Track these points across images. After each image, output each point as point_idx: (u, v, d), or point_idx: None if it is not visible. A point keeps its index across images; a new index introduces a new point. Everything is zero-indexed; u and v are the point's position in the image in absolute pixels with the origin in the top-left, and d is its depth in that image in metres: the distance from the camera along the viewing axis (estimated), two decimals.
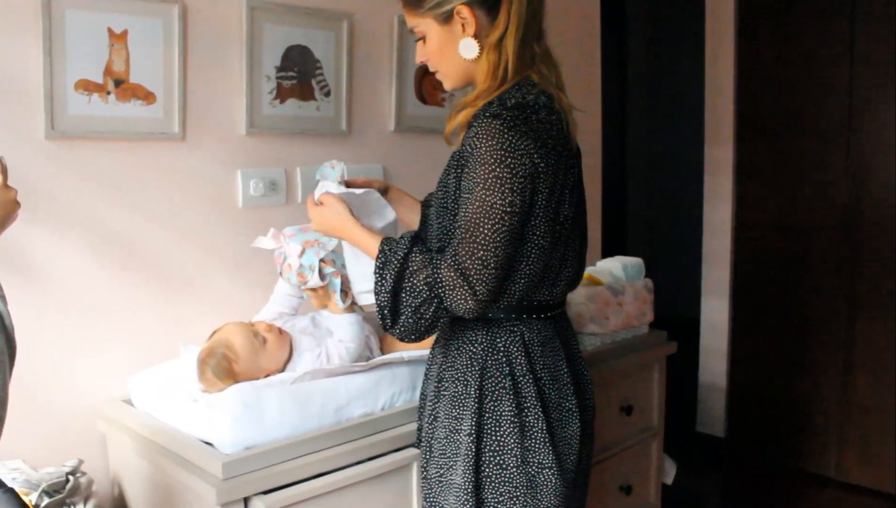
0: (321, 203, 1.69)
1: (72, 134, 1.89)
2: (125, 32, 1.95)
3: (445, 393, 1.60)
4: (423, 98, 2.62)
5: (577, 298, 2.39)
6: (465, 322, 1.58)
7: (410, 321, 1.49)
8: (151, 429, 1.79)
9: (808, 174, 3.74)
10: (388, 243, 1.54)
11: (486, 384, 1.55)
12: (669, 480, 2.87)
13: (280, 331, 1.90)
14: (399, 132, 2.57)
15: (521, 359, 1.55)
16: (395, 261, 1.49)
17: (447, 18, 1.54)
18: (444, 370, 1.62)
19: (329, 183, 1.75)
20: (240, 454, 1.62)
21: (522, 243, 1.48)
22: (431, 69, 1.65)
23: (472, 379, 1.55)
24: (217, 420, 1.66)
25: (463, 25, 1.53)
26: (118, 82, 1.95)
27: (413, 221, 1.87)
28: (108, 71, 1.94)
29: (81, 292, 1.95)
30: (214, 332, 1.88)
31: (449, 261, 1.45)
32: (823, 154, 3.67)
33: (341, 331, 1.91)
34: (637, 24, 6.31)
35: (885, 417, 3.56)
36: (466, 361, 1.57)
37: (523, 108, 1.47)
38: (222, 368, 1.80)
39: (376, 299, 1.52)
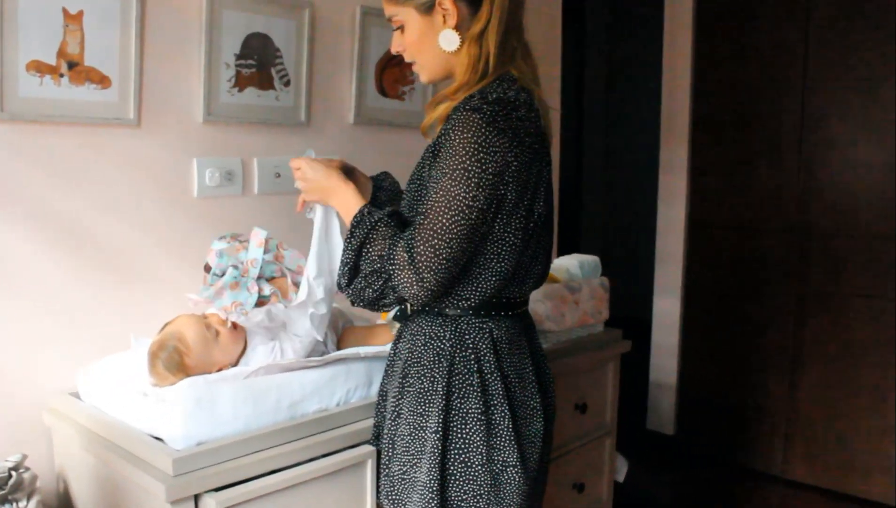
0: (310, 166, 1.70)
1: (22, 117, 1.83)
2: (80, 13, 1.89)
3: (410, 389, 1.58)
4: (383, 91, 2.59)
5: (534, 295, 2.38)
6: (432, 318, 1.57)
7: (360, 285, 1.52)
8: (99, 423, 1.74)
9: (760, 175, 3.79)
10: (367, 207, 1.55)
11: (454, 381, 1.53)
12: (621, 478, 2.89)
13: (234, 324, 1.87)
14: (359, 125, 2.54)
15: (489, 356, 1.54)
16: (368, 224, 1.51)
17: (429, 9, 1.52)
18: (409, 365, 1.60)
19: None
20: (191, 449, 1.58)
21: (495, 241, 1.48)
22: (408, 60, 1.63)
23: (440, 376, 1.54)
24: (168, 415, 1.62)
25: (444, 16, 1.52)
26: (72, 65, 1.89)
27: (366, 199, 1.85)
28: (61, 53, 1.87)
29: (29, 281, 1.89)
30: (166, 324, 1.84)
31: (404, 243, 1.45)
32: (776, 156, 3.73)
33: (296, 325, 1.88)
34: (596, 22, 6.34)
35: (830, 416, 3.63)
36: (433, 357, 1.56)
37: (504, 103, 1.45)
38: (173, 361, 1.76)
39: (342, 255, 1.54)
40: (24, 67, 1.82)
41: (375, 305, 1.55)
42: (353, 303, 1.57)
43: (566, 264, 2.60)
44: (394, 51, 1.64)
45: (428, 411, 1.55)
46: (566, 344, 2.46)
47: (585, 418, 2.55)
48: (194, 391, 1.64)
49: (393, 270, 1.46)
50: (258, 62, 2.24)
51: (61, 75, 1.88)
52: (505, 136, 1.41)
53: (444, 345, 1.55)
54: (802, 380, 3.72)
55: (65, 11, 1.86)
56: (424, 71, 1.61)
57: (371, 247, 1.50)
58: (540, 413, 1.60)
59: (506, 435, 1.53)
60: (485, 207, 1.42)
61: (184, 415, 1.60)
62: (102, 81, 1.95)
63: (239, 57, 2.20)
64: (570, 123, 5.78)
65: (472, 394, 1.52)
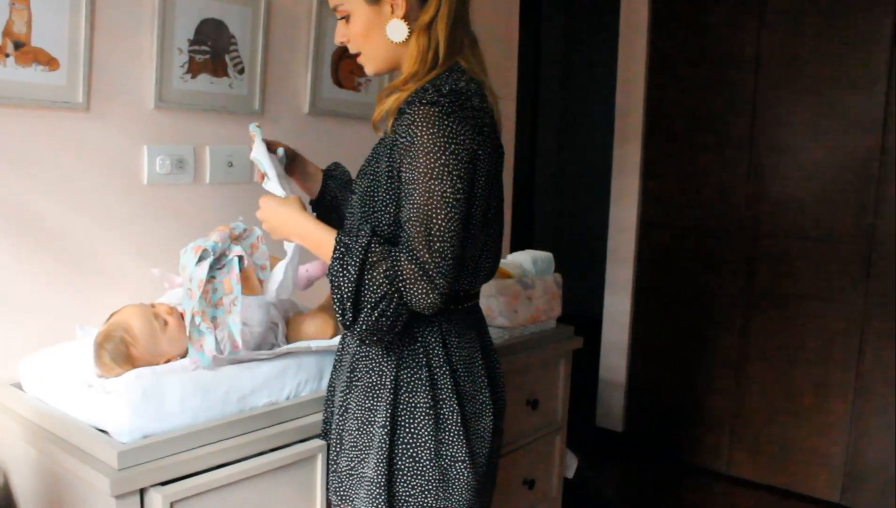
0: (268, 201, 1.61)
1: None
2: None
3: (358, 384, 1.56)
4: (339, 82, 2.57)
5: (487, 290, 2.38)
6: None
7: (372, 318, 1.41)
8: (42, 415, 1.69)
9: (710, 176, 3.84)
10: (345, 235, 1.47)
11: (402, 375, 1.52)
12: (571, 474, 2.90)
13: (182, 314, 1.83)
14: (313, 115, 2.51)
15: (438, 350, 1.52)
16: (358, 250, 1.41)
17: (375, 0, 1.50)
18: (357, 359, 1.58)
19: (260, 142, 1.73)
20: (137, 442, 1.54)
21: (471, 245, 1.48)
22: (353, 51, 1.60)
23: (388, 370, 1.52)
24: (113, 407, 1.57)
25: (392, 7, 1.49)
26: (18, 45, 1.83)
27: (315, 189, 1.86)
28: (7, 32, 1.81)
29: None
30: (113, 314, 1.79)
31: (406, 255, 1.40)
32: (726, 157, 3.78)
33: (247, 314, 1.85)
34: (552, 20, 6.36)
35: (775, 414, 3.69)
36: (382, 351, 1.53)
37: (458, 94, 1.43)
38: (120, 352, 1.71)
39: (336, 293, 1.43)
40: None
41: (392, 332, 1.45)
42: (363, 340, 1.48)
43: (520, 260, 2.60)
44: (337, 41, 1.60)
45: (376, 405, 1.53)
46: (519, 340, 2.45)
47: (536, 414, 2.55)
48: (141, 383, 1.60)
49: (404, 286, 1.39)
50: (212, 49, 2.20)
51: (7, 55, 1.82)
52: (467, 125, 1.40)
53: (393, 339, 1.51)
54: (748, 379, 3.78)
55: None
56: (370, 62, 1.58)
57: (373, 272, 1.40)
58: (489, 408, 1.59)
59: (454, 430, 1.51)
60: (467, 196, 1.41)
61: (130, 407, 1.56)
62: (50, 62, 1.90)
63: (192, 42, 2.15)
64: (524, 120, 5.79)
65: (421, 388, 1.50)
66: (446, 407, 1.51)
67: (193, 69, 2.17)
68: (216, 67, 2.22)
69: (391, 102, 1.49)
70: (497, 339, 2.39)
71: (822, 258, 3.54)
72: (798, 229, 3.60)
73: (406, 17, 1.49)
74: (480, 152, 1.42)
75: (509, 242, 3.45)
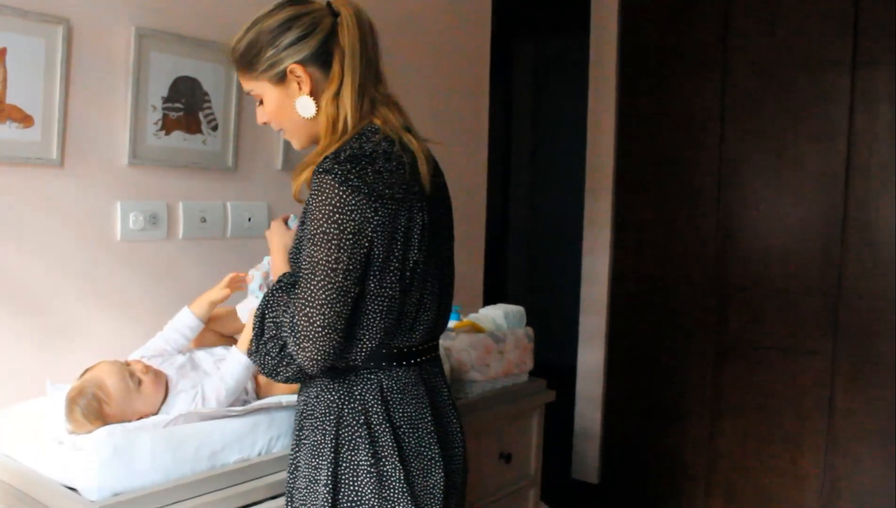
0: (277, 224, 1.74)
1: None
2: (3, 50, 1.86)
3: (306, 442, 1.57)
4: None
5: (459, 344, 2.39)
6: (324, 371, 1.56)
7: (261, 350, 1.50)
8: (10, 472, 1.68)
9: (680, 228, 3.89)
10: (284, 274, 1.54)
11: (343, 433, 1.52)
12: None
13: (156, 372, 1.82)
14: (286, 171, 2.53)
15: (377, 407, 1.52)
16: (271, 289, 1.52)
17: (281, 79, 1.53)
18: (304, 417, 1.59)
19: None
20: (106, 500, 1.53)
21: (373, 299, 1.47)
22: (276, 129, 1.64)
23: (329, 428, 1.53)
24: (83, 464, 1.57)
25: (298, 84, 1.52)
26: None
27: None
28: None
29: None
30: (86, 370, 1.79)
31: (290, 311, 1.45)
32: (695, 209, 3.84)
33: (228, 368, 1.84)
34: (522, 75, 6.46)
35: (749, 465, 3.70)
36: (324, 409, 1.54)
37: (358, 159, 1.43)
38: (92, 409, 1.70)
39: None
40: None
41: (275, 373, 1.50)
42: (260, 372, 1.55)
43: (491, 314, 2.62)
44: (259, 122, 1.64)
45: (319, 464, 1.53)
46: (491, 394, 2.46)
47: (510, 468, 2.55)
48: (111, 440, 1.59)
49: (286, 337, 1.45)
50: (186, 106, 2.22)
51: None
52: (360, 193, 1.40)
53: (333, 397, 1.53)
54: (721, 430, 3.79)
55: None
56: (293, 138, 1.62)
57: (270, 313, 1.49)
58: (439, 465, 1.56)
59: (398, 487, 1.50)
60: (349, 267, 1.41)
61: (99, 464, 1.55)
62: (25, 119, 1.92)
63: (166, 100, 2.18)
64: (496, 174, 5.85)
65: (361, 446, 1.51)
66: (388, 464, 1.50)
67: (167, 126, 2.19)
68: (190, 123, 2.24)
69: (305, 175, 1.52)
70: (470, 393, 2.40)
71: (791, 310, 3.59)
72: (766, 281, 3.65)
73: (313, 92, 1.52)
74: (377, 218, 1.42)
75: (482, 294, 3.47)
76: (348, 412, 1.52)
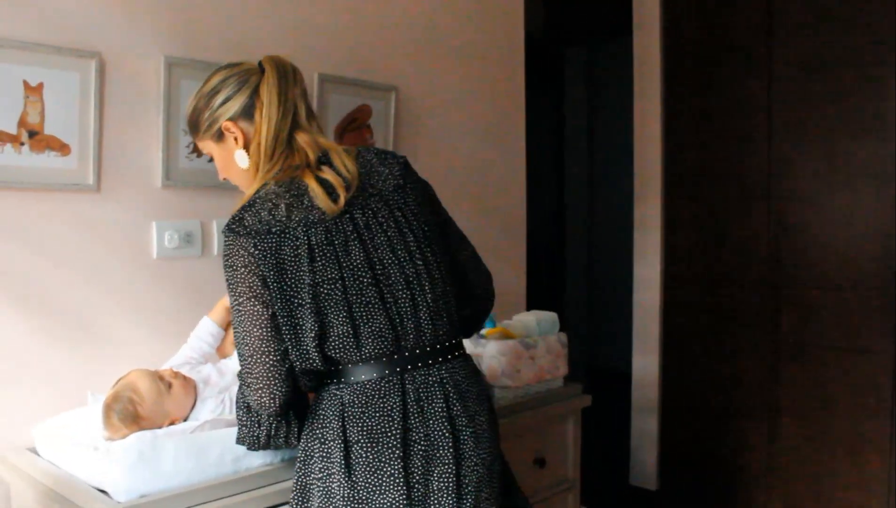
0: None
1: None
2: (41, 85, 2.00)
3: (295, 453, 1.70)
4: None
5: (490, 351, 2.44)
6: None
7: (240, 425, 1.65)
8: (51, 477, 1.79)
9: (731, 230, 3.86)
10: None
11: (306, 447, 1.62)
12: None
13: (185, 377, 1.93)
14: None
15: (333, 423, 1.57)
16: None
17: (220, 136, 1.71)
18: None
19: None
20: (133, 501, 1.62)
21: (293, 325, 1.56)
22: (233, 183, 1.80)
23: (301, 443, 1.65)
24: (112, 468, 1.67)
25: (235, 138, 1.69)
26: (32, 134, 1.99)
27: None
28: (22, 122, 1.97)
29: None
30: (119, 379, 1.90)
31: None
32: (745, 210, 3.80)
33: None
34: (575, 80, 6.49)
35: (809, 468, 3.64)
36: (303, 424, 1.67)
37: (243, 208, 1.58)
38: (128, 412, 1.82)
39: None
40: None
41: (256, 441, 1.66)
42: (250, 448, 1.70)
43: (524, 321, 2.66)
44: (220, 179, 1.82)
45: (295, 475, 1.65)
46: (523, 400, 2.50)
47: (544, 472, 2.58)
48: (138, 445, 1.69)
49: (242, 392, 1.61)
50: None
51: (22, 144, 1.97)
52: (239, 236, 1.54)
53: (309, 414, 1.65)
54: (780, 433, 3.74)
55: (25, 84, 1.97)
56: (243, 189, 1.77)
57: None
58: (399, 481, 1.52)
59: (342, 506, 1.53)
60: (252, 295, 1.54)
61: (126, 468, 1.65)
62: (62, 148, 2.05)
63: None
64: (550, 183, 5.88)
65: (315, 460, 1.59)
66: (335, 481, 1.54)
67: (198, 149, 2.29)
68: None
69: None
70: (501, 399, 2.44)
71: (847, 308, 3.52)
72: (821, 280, 3.59)
73: (247, 145, 1.68)
74: (258, 252, 1.53)
75: (525, 301, 3.50)
76: (309, 428, 1.62)
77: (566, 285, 6.25)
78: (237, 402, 1.65)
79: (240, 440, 1.67)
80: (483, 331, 2.61)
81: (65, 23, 2.05)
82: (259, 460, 1.85)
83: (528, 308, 3.22)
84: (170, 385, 1.88)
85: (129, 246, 2.19)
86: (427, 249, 1.65)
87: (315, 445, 1.59)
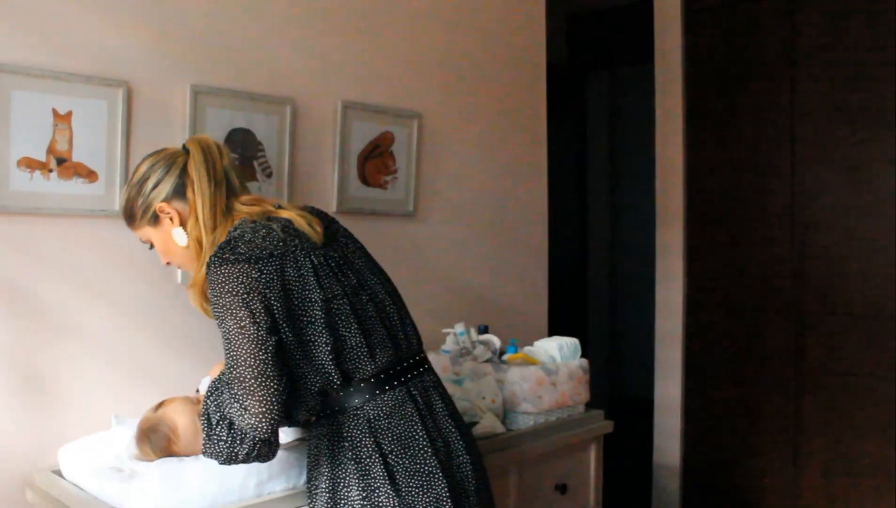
0: None
1: (12, 209, 1.96)
2: (69, 113, 2.03)
3: (310, 487, 1.70)
4: (365, 180, 2.70)
5: (511, 377, 2.45)
6: (318, 419, 1.69)
7: (213, 439, 1.60)
8: (74, 499, 1.81)
9: (754, 255, 3.84)
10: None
11: (337, 473, 1.63)
12: None
13: None
14: (341, 213, 2.63)
15: (365, 441, 1.62)
16: (210, 386, 1.66)
17: (155, 219, 1.77)
18: (308, 467, 1.72)
19: None
20: None
21: (298, 345, 1.59)
22: (176, 266, 1.87)
23: (325, 470, 1.65)
24: (136, 491, 1.69)
25: (170, 219, 1.74)
26: (60, 161, 2.02)
27: None
28: (51, 150, 2.01)
29: (15, 362, 1.99)
30: (160, 405, 1.91)
31: (227, 384, 1.58)
32: (768, 236, 3.79)
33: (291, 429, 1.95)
34: (596, 111, 6.51)
35: (833, 495, 3.60)
36: (318, 453, 1.68)
37: (227, 242, 1.63)
38: (161, 446, 1.85)
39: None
40: (15, 163, 1.95)
41: (233, 456, 1.60)
42: (220, 461, 1.65)
43: (545, 347, 2.66)
44: (163, 264, 1.87)
45: (320, 506, 1.65)
46: (544, 426, 2.50)
47: (565, 499, 2.57)
48: (163, 469, 1.72)
49: (231, 413, 1.57)
50: (241, 156, 2.36)
51: (50, 171, 2.01)
52: (238, 263, 1.56)
53: (324, 442, 1.66)
54: (804, 461, 3.70)
55: (54, 112, 2.00)
56: (186, 268, 1.84)
57: (212, 401, 1.62)
58: (439, 475, 1.64)
59: None
60: (256, 320, 1.55)
61: (151, 492, 1.67)
62: (90, 175, 2.08)
63: None
64: (572, 209, 5.90)
65: (353, 483, 1.61)
66: (382, 495, 1.59)
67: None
68: (244, 172, 2.37)
69: (196, 293, 1.76)
70: (522, 425, 2.45)
71: (873, 335, 3.49)
72: (846, 306, 3.57)
73: (183, 222, 1.74)
74: (260, 275, 1.56)
75: (546, 326, 3.50)
76: (339, 452, 1.63)
77: (588, 311, 6.24)
78: (211, 417, 1.60)
79: (213, 455, 1.62)
80: (504, 357, 2.61)
81: (93, 53, 2.09)
82: (283, 484, 1.86)
83: (550, 334, 3.21)
84: None
85: (154, 271, 2.20)
86: (384, 272, 1.83)
87: (349, 468, 1.61)
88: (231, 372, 1.55)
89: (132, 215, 1.81)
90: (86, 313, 2.10)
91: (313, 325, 1.60)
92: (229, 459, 1.61)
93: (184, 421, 1.86)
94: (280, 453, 1.86)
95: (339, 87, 2.63)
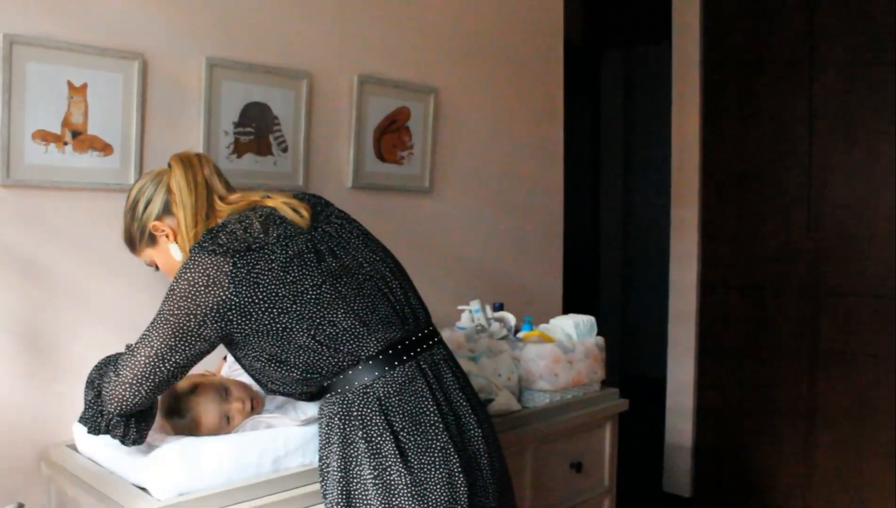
0: None
1: (27, 183, 1.94)
2: (84, 85, 2.01)
3: (321, 464, 1.68)
4: (381, 156, 2.68)
5: (527, 354, 2.43)
6: (326, 397, 1.67)
7: (85, 402, 1.67)
8: (90, 473, 1.80)
9: (769, 235, 3.82)
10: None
11: (348, 452, 1.61)
12: None
13: (254, 406, 1.94)
14: (357, 189, 2.63)
15: (376, 419, 1.60)
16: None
17: (153, 240, 1.82)
18: (320, 446, 1.69)
19: None
20: (172, 500, 1.63)
21: (307, 329, 1.60)
22: None
23: (335, 449, 1.63)
24: (152, 466, 1.68)
25: (167, 235, 1.80)
26: (75, 134, 2.01)
27: None
28: (66, 122, 1.99)
29: (31, 336, 1.99)
30: (196, 387, 1.90)
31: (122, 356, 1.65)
32: (784, 215, 3.76)
33: (310, 406, 1.94)
34: (613, 82, 6.47)
35: (847, 475, 3.59)
36: (329, 432, 1.65)
37: (210, 231, 1.66)
38: (183, 431, 1.87)
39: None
40: (30, 136, 1.94)
41: (94, 424, 1.66)
42: (84, 425, 1.69)
43: (561, 324, 2.64)
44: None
45: (332, 485, 1.63)
46: (560, 403, 2.48)
47: (581, 477, 2.56)
48: (179, 445, 1.71)
49: (104, 383, 1.63)
50: (256, 130, 2.34)
51: (65, 144, 2.00)
52: (213, 254, 1.58)
53: (336, 421, 1.64)
54: (817, 442, 3.69)
55: (69, 84, 1.99)
56: None
57: (96, 369, 1.70)
58: (450, 450, 1.63)
59: (406, 493, 1.57)
60: (189, 322, 1.58)
61: (167, 467, 1.66)
62: (105, 148, 2.06)
63: (237, 125, 2.30)
64: (586, 187, 5.87)
65: (365, 461, 1.59)
66: (394, 473, 1.58)
67: (239, 149, 2.32)
68: (260, 146, 2.36)
69: None
70: (538, 402, 2.43)
71: (888, 316, 3.47)
72: (860, 287, 3.54)
73: (178, 238, 1.78)
74: (237, 269, 1.57)
75: (560, 304, 3.48)
76: (350, 431, 1.61)
77: (600, 290, 6.22)
78: (90, 382, 1.67)
79: (83, 421, 1.68)
80: (520, 334, 2.60)
81: (108, 25, 2.06)
82: (299, 460, 1.85)
83: (564, 312, 3.20)
84: (230, 420, 1.90)
85: None
86: (386, 249, 1.82)
87: (360, 447, 1.59)
88: (136, 346, 1.61)
89: (132, 239, 1.86)
90: (102, 288, 2.09)
91: (287, 315, 1.60)
92: (94, 429, 1.66)
93: (209, 421, 1.87)
94: (297, 429, 1.87)
95: (355, 61, 2.60)
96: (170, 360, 1.60)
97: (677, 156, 4.15)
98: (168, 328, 1.59)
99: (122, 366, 1.60)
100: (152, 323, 1.62)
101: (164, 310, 1.61)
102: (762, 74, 3.81)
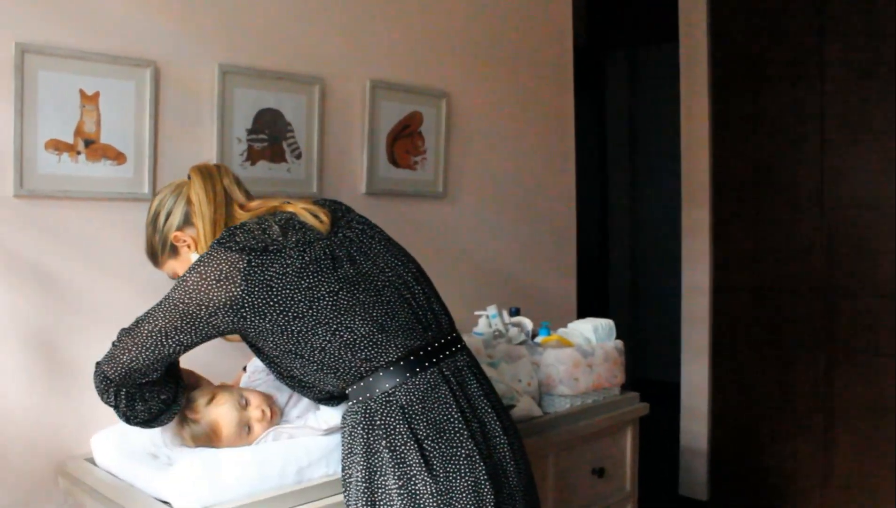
0: None
1: (40, 192, 1.92)
2: (97, 94, 1.99)
3: (344, 474, 1.65)
4: (395, 161, 2.66)
5: (547, 359, 2.40)
6: (351, 406, 1.64)
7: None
8: (109, 487, 1.77)
9: (782, 235, 3.79)
10: None
11: (372, 461, 1.58)
12: None
13: (272, 415, 1.90)
14: (370, 194, 2.60)
15: (400, 428, 1.57)
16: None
17: (174, 251, 1.83)
18: (343, 455, 1.66)
19: None
20: None
21: (325, 333, 1.58)
22: None
23: (360, 460, 1.60)
24: (174, 478, 1.65)
25: (188, 246, 1.81)
26: (88, 142, 1.99)
27: None
28: (78, 131, 1.97)
29: (47, 348, 1.96)
30: (213, 398, 1.86)
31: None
32: (798, 215, 3.73)
33: (332, 414, 1.91)
34: (616, 88, 6.45)
35: (864, 478, 3.55)
36: (350, 440, 1.63)
37: (230, 229, 1.64)
38: (200, 441, 1.83)
39: None
40: (42, 145, 1.91)
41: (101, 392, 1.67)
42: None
43: (580, 328, 2.61)
44: None
45: (357, 495, 1.60)
46: (580, 408, 2.45)
47: (603, 482, 2.53)
48: (200, 457, 1.68)
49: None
50: (269, 137, 2.32)
51: (78, 153, 1.97)
52: (229, 251, 1.58)
53: (359, 430, 1.61)
54: (834, 443, 3.66)
55: (82, 93, 1.96)
56: None
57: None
58: (476, 458, 1.60)
59: (431, 502, 1.54)
60: (198, 311, 1.57)
61: (189, 479, 1.63)
62: (118, 157, 2.04)
63: (250, 132, 2.28)
64: (594, 188, 5.84)
65: (389, 471, 1.56)
66: (419, 482, 1.55)
67: (252, 156, 2.29)
68: (274, 153, 2.34)
69: None
70: (559, 407, 2.41)
71: None
72: (875, 286, 3.52)
73: (198, 246, 1.78)
74: (251, 268, 1.56)
75: (575, 308, 3.46)
76: (373, 440, 1.58)
77: (609, 294, 6.19)
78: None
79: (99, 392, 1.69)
80: (538, 339, 2.57)
81: (120, 32, 2.04)
82: (323, 470, 1.82)
83: (579, 316, 3.17)
84: (250, 429, 1.87)
85: None
86: (409, 254, 1.80)
87: (384, 456, 1.57)
88: (140, 324, 1.61)
89: (154, 251, 1.86)
90: (117, 299, 2.07)
91: (302, 320, 1.58)
92: (108, 402, 1.68)
93: (228, 431, 1.84)
94: (320, 439, 1.84)
95: (367, 66, 2.59)
96: (174, 338, 1.59)
97: (687, 157, 4.13)
98: (176, 312, 1.58)
99: (124, 334, 1.62)
100: (158, 304, 1.61)
101: (172, 296, 1.59)
102: (771, 73, 3.79)
